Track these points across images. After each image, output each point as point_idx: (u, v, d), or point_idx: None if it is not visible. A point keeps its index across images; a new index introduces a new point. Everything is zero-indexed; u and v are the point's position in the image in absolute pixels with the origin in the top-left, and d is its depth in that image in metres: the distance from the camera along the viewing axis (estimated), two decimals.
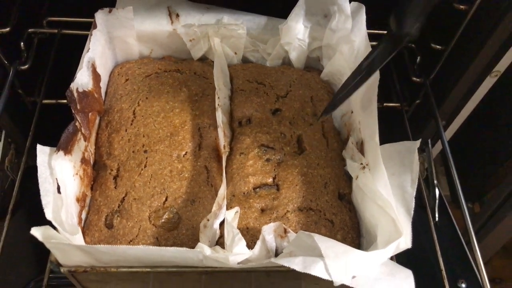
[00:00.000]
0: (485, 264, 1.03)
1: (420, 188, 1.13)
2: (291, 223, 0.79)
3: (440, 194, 1.16)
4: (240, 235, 0.66)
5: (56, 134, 0.82)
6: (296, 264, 0.62)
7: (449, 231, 1.14)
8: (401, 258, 0.81)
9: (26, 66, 1.05)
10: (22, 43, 1.06)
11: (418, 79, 1.12)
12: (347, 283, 0.62)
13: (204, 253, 0.62)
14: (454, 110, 1.17)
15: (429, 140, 1.19)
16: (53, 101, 1.12)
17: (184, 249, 0.62)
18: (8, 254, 0.89)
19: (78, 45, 1.06)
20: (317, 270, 0.61)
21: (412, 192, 0.70)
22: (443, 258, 0.95)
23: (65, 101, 1.12)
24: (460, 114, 1.20)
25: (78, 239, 0.65)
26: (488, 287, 0.90)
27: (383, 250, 0.63)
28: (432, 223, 1.04)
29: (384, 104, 1.16)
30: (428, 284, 1.02)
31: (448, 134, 1.28)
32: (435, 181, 1.16)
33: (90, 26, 1.03)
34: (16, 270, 0.98)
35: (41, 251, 0.95)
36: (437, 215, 1.12)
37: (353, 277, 0.62)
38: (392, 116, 1.17)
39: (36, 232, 0.61)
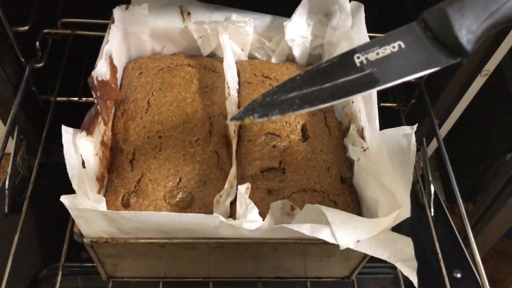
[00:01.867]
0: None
1: (416, 186, 1.20)
2: (296, 203, 0.84)
3: (435, 190, 1.21)
4: (253, 204, 0.71)
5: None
6: (305, 229, 0.67)
7: (444, 227, 1.19)
8: None
9: (41, 64, 1.10)
10: (37, 43, 1.11)
11: (413, 80, 1.19)
12: (351, 247, 0.67)
13: (220, 218, 0.67)
14: (447, 109, 1.23)
15: (424, 139, 1.25)
16: (65, 98, 1.18)
17: (202, 214, 0.67)
18: (22, 245, 0.93)
19: (90, 46, 1.13)
20: (324, 234, 0.67)
21: (409, 168, 0.76)
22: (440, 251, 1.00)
23: (76, 98, 1.18)
24: (452, 113, 1.26)
25: (103, 207, 0.70)
26: (484, 275, 0.94)
27: (385, 218, 0.69)
28: (430, 217, 1.10)
29: (381, 104, 1.22)
30: (425, 274, 1.07)
31: (441, 133, 1.34)
32: (430, 178, 1.21)
33: (102, 27, 1.09)
34: (30, 259, 1.02)
35: (52, 243, 1.02)
36: (432, 210, 1.17)
37: (357, 241, 0.68)
38: (389, 115, 1.23)
39: (65, 200, 0.66)
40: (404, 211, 0.70)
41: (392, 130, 0.83)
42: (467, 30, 0.50)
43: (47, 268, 1.01)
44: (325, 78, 0.52)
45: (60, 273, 0.91)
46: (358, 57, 0.53)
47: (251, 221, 0.70)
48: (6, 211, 1.06)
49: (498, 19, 0.50)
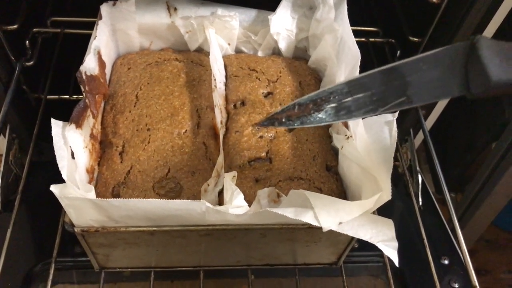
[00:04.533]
0: (469, 255, 1.11)
1: (404, 177, 1.22)
2: (283, 190, 0.86)
3: (423, 180, 1.23)
4: (238, 190, 0.73)
5: None
6: (289, 212, 0.69)
7: (433, 217, 1.21)
8: None
9: (31, 63, 1.12)
10: (27, 42, 1.13)
11: None
12: (334, 229, 0.70)
13: (206, 204, 0.69)
14: None
15: (411, 130, 1.27)
16: (56, 96, 1.19)
17: (188, 200, 0.69)
18: (15, 241, 0.95)
19: (80, 44, 1.14)
20: (307, 217, 0.69)
21: (390, 154, 0.78)
22: (427, 239, 1.02)
23: (67, 96, 1.20)
24: (439, 103, 1.28)
25: (92, 196, 0.71)
26: (469, 260, 0.96)
27: (366, 201, 0.71)
28: (416, 207, 1.12)
29: None
30: (413, 261, 1.09)
31: (427, 124, 1.36)
32: (418, 168, 1.23)
33: (92, 25, 1.10)
34: (24, 254, 1.03)
35: (45, 238, 1.03)
36: (420, 200, 1.19)
37: (340, 223, 0.70)
38: None
39: (55, 189, 0.68)
40: (385, 194, 0.73)
41: (374, 118, 0.86)
42: (497, 81, 0.53)
43: (41, 263, 1.03)
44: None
45: (53, 266, 0.92)
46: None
47: (237, 207, 0.72)
48: None
49: None
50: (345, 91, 0.59)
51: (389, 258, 0.98)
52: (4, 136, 1.11)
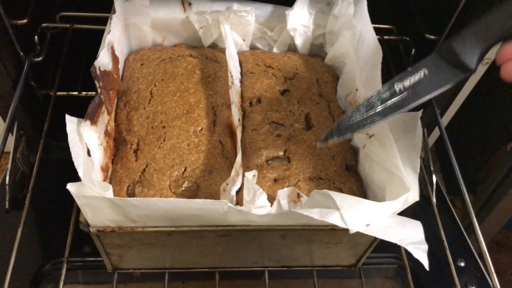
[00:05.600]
0: (479, 257, 1.09)
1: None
2: (302, 191, 0.83)
3: (437, 181, 1.21)
4: (261, 189, 0.71)
5: (63, 126, 0.85)
6: (314, 213, 0.66)
7: (445, 218, 1.19)
8: None
9: (40, 58, 1.09)
10: (36, 37, 1.11)
11: None
12: (361, 231, 0.67)
13: (228, 204, 0.66)
14: (449, 98, 1.23)
15: (425, 129, 1.25)
16: (65, 93, 1.17)
17: (211, 200, 0.66)
18: (23, 240, 0.92)
19: (89, 39, 1.12)
20: (333, 218, 0.66)
21: (417, 153, 0.76)
22: (442, 240, 1.00)
23: (76, 93, 1.18)
24: (453, 103, 1.26)
25: (110, 195, 0.69)
26: (488, 258, 0.94)
27: (394, 201, 0.68)
28: (434, 205, 1.10)
29: None
30: (429, 264, 1.07)
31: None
32: (432, 168, 1.21)
33: (101, 20, 1.08)
34: (32, 254, 1.01)
35: (53, 238, 1.01)
36: (434, 199, 1.17)
37: (367, 225, 0.67)
38: None
39: (71, 187, 0.65)
40: (413, 195, 0.70)
41: (397, 116, 0.83)
42: (469, 55, 0.66)
43: (50, 263, 1.00)
44: (377, 103, 0.73)
45: (65, 266, 0.89)
46: (397, 85, 0.72)
47: (259, 207, 0.69)
48: (7, 207, 1.05)
49: (492, 42, 0.65)
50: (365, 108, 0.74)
51: (408, 261, 0.97)
52: (12, 134, 1.08)
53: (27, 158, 1.15)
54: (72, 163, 0.73)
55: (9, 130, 1.02)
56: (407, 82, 0.71)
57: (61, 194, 0.87)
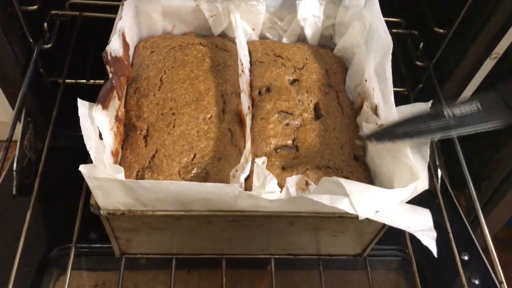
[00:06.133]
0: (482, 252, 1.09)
1: None
2: (310, 179, 0.84)
3: (441, 176, 1.21)
4: (271, 175, 0.71)
5: (70, 114, 0.84)
6: (324, 199, 0.67)
7: (450, 212, 1.19)
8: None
9: (49, 45, 1.10)
10: (45, 24, 1.11)
11: (421, 63, 1.19)
12: (371, 217, 0.68)
13: (239, 188, 0.67)
14: (456, 93, 1.23)
15: None
16: (73, 80, 1.17)
17: (222, 184, 0.67)
18: (30, 226, 0.92)
19: (98, 28, 1.12)
20: (343, 204, 0.67)
21: (426, 143, 0.76)
22: (447, 234, 1.00)
23: (84, 80, 1.18)
24: (461, 97, 1.26)
25: (122, 177, 0.69)
26: (496, 259, 0.95)
27: (403, 189, 0.69)
28: (440, 198, 1.10)
29: None
30: (432, 256, 1.07)
31: None
32: (437, 163, 1.21)
33: (110, 8, 1.08)
34: (39, 240, 1.02)
35: (59, 224, 1.01)
36: (439, 194, 1.17)
37: (376, 212, 0.68)
38: (397, 100, 1.23)
39: (84, 169, 0.66)
40: (422, 183, 0.71)
41: (407, 107, 0.84)
42: None
43: (57, 248, 1.01)
44: (422, 121, 0.75)
45: (73, 250, 0.90)
46: (447, 110, 0.74)
47: (270, 192, 0.70)
48: (14, 192, 1.06)
49: None
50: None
51: (414, 253, 0.98)
52: (20, 121, 1.09)
53: (34, 145, 1.15)
54: (78, 151, 0.74)
55: (18, 116, 1.02)
56: (457, 111, 0.73)
57: (67, 181, 0.88)
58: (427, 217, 0.70)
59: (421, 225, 0.69)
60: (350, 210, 0.67)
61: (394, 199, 0.69)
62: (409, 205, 0.71)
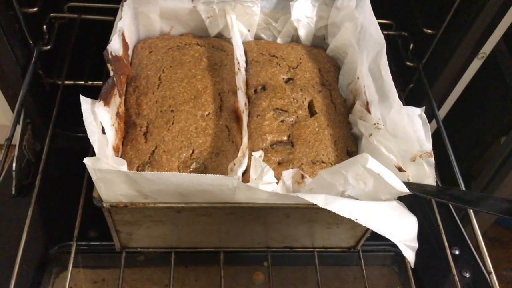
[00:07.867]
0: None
1: None
2: (306, 173, 0.86)
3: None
4: (268, 167, 0.74)
5: (68, 115, 0.85)
6: (319, 200, 0.70)
7: (441, 208, 1.22)
8: None
9: (49, 47, 1.12)
10: (44, 26, 1.13)
11: (411, 64, 1.23)
12: (360, 222, 0.71)
13: (238, 180, 0.69)
14: (445, 92, 1.26)
15: None
16: (71, 82, 1.19)
17: (221, 175, 0.69)
18: (30, 225, 0.94)
19: (96, 30, 1.14)
20: (336, 207, 0.70)
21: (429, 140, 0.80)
22: (438, 229, 1.03)
23: (82, 82, 1.20)
24: (449, 97, 1.30)
25: (124, 169, 0.71)
26: (485, 250, 0.97)
27: (397, 181, 0.72)
28: (433, 199, 1.12)
29: None
30: (423, 251, 1.10)
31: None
32: None
33: (109, 11, 1.10)
34: (38, 237, 1.04)
35: (59, 223, 1.03)
36: None
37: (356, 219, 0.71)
38: None
39: (88, 161, 0.68)
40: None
41: (408, 110, 0.88)
42: None
43: (57, 246, 1.03)
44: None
45: (74, 246, 0.91)
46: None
47: (267, 183, 0.72)
48: (13, 192, 1.07)
49: None
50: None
51: None
52: (19, 122, 1.10)
53: (33, 146, 1.17)
54: (76, 151, 0.75)
55: (18, 117, 1.04)
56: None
57: (67, 180, 0.90)
58: (413, 226, 0.73)
59: (405, 235, 0.72)
60: (344, 214, 0.70)
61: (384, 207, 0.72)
62: (398, 212, 0.74)
